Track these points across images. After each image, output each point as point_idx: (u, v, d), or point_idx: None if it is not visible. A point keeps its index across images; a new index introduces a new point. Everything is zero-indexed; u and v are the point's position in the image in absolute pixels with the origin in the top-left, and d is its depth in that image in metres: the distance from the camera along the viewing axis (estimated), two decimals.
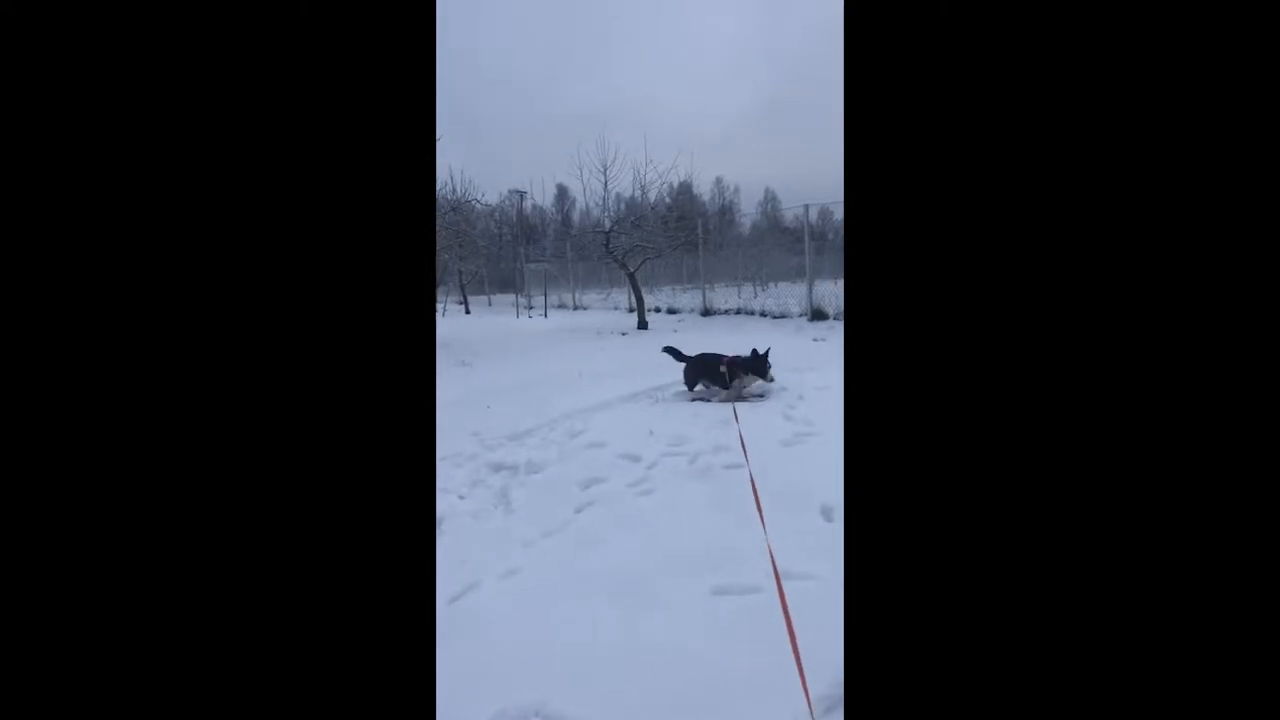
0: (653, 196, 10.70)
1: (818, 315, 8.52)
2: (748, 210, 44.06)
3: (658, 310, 11.94)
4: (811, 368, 4.69)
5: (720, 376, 4.12)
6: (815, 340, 4.81)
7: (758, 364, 4.08)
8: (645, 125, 12.89)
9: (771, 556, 1.57)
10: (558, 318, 12.75)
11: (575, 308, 15.96)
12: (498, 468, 2.92)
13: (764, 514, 2.20)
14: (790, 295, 10.27)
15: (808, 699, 1.11)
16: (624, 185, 11.10)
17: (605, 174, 10.83)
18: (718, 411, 3.71)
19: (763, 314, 9.69)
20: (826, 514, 2.16)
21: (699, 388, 4.28)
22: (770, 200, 48.14)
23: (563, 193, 39.31)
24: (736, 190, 47.74)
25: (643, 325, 9.34)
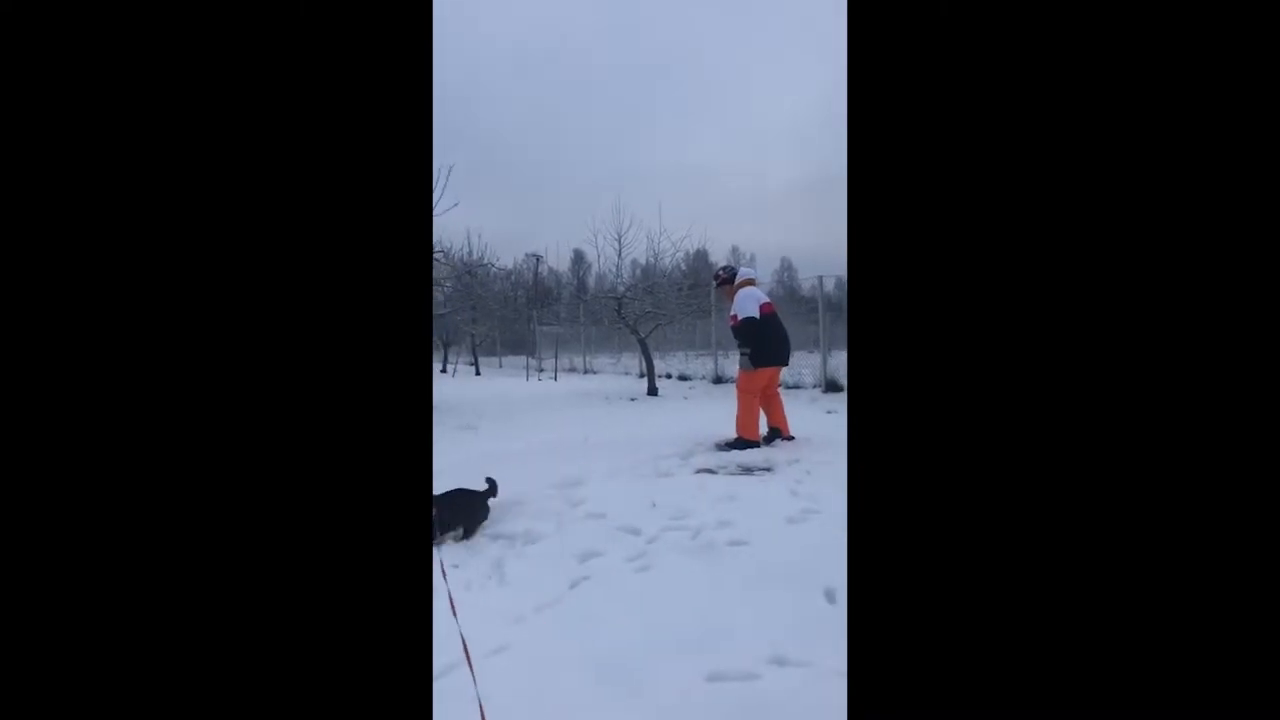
0: (667, 263, 10.90)
1: (832, 387, 8.46)
2: (764, 279, 44.68)
3: (668, 376, 11.95)
4: (823, 442, 4.61)
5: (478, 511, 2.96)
6: (828, 413, 4.73)
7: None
8: (661, 193, 13.30)
9: None
10: (568, 381, 12.79)
11: (586, 371, 16.00)
12: (495, 537, 2.86)
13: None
14: (805, 365, 10.21)
15: None
16: (639, 251, 11.34)
17: (620, 240, 11.09)
18: (725, 486, 3.64)
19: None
20: (829, 596, 2.07)
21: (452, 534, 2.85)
22: (786, 269, 48.90)
23: (579, 257, 40.29)
24: (753, 259, 48.60)
25: (653, 391, 9.32)
